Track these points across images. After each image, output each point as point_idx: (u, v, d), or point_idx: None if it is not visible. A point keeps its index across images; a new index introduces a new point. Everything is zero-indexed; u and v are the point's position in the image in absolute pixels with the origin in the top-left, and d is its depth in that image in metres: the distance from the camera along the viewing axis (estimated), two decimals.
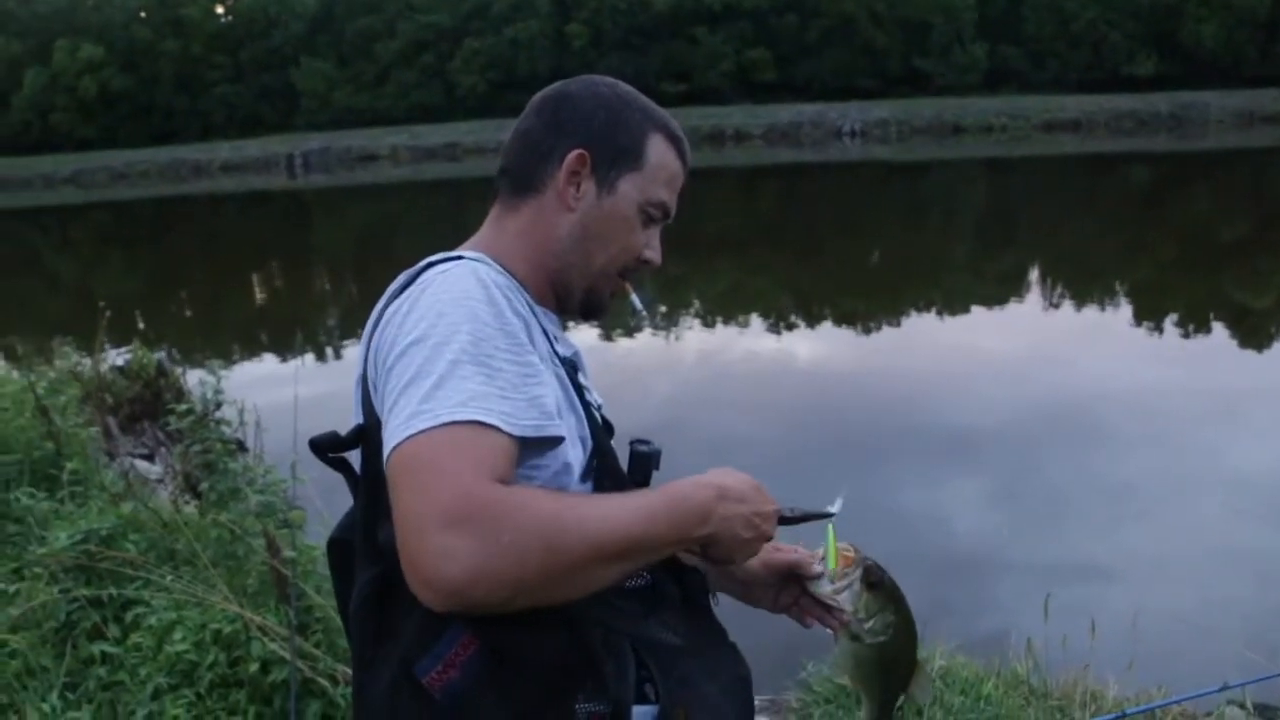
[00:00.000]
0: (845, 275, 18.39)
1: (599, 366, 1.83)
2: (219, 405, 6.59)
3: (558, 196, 1.57)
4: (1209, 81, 56.37)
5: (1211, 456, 7.79)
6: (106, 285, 22.23)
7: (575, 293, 1.60)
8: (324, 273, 23.89)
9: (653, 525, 1.32)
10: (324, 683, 3.42)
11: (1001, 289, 16.46)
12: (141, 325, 15.31)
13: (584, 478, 1.44)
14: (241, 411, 6.70)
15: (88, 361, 8.53)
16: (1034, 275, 17.48)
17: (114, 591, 3.91)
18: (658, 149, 1.59)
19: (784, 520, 1.53)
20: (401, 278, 1.50)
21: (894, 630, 1.59)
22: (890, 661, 1.62)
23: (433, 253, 1.51)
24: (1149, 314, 13.62)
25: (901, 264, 19.34)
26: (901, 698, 1.66)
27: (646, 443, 1.57)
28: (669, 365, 12.06)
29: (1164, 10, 61.63)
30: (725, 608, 1.67)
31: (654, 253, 1.63)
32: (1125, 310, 14.47)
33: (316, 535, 4.18)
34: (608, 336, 12.03)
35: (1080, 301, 14.98)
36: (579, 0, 67.56)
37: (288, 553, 3.74)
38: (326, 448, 1.45)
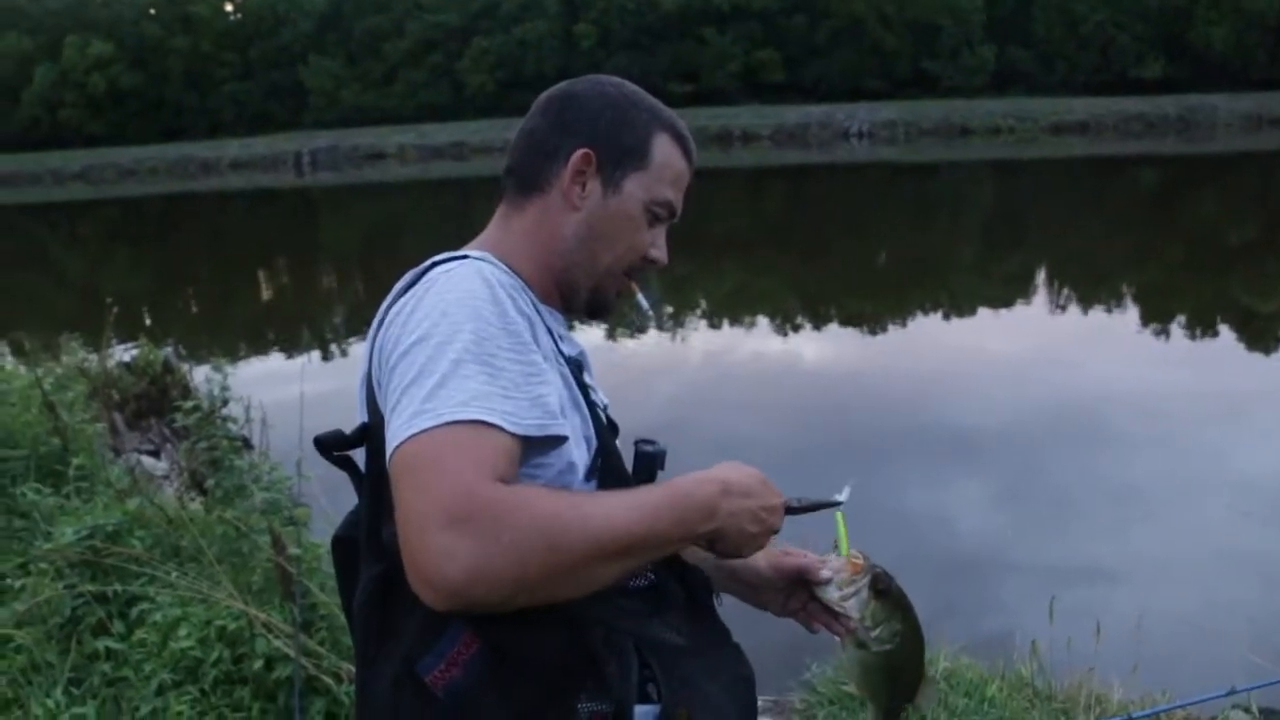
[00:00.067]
0: (852, 276, 18.37)
1: (605, 366, 1.83)
2: (225, 402, 6.61)
3: (563, 196, 1.56)
4: (1218, 84, 56.32)
5: (1217, 459, 7.77)
6: (114, 281, 22.27)
7: (581, 292, 1.60)
8: (330, 270, 23.93)
9: (656, 522, 1.32)
10: (328, 680, 3.42)
11: (1008, 290, 16.43)
12: (148, 321, 15.36)
13: (588, 477, 1.44)
14: (248, 408, 6.73)
15: (94, 357, 8.56)
16: (1040, 277, 17.46)
17: (119, 587, 3.91)
18: (663, 148, 1.59)
19: (791, 511, 1.52)
20: (406, 277, 1.49)
21: (900, 639, 1.57)
22: (896, 670, 1.60)
23: (439, 251, 1.51)
24: (1156, 316, 13.58)
25: (908, 265, 19.32)
26: (908, 708, 1.65)
27: (651, 443, 1.56)
28: (675, 365, 12.05)
29: (1173, 13, 61.59)
30: (729, 608, 1.67)
31: (660, 252, 1.62)
32: (1132, 312, 14.43)
33: (321, 532, 4.18)
34: (614, 336, 12.03)
35: (1087, 303, 14.95)
36: (587, 0, 67.63)
37: (293, 550, 3.74)
38: (331, 446, 1.45)
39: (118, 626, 3.82)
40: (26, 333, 9.91)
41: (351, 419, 1.50)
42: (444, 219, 29.28)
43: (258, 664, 3.46)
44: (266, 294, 21.47)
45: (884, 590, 1.55)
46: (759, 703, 1.67)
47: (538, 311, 1.48)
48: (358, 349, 11.31)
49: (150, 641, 3.65)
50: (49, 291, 21.78)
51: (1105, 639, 4.10)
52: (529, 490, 1.29)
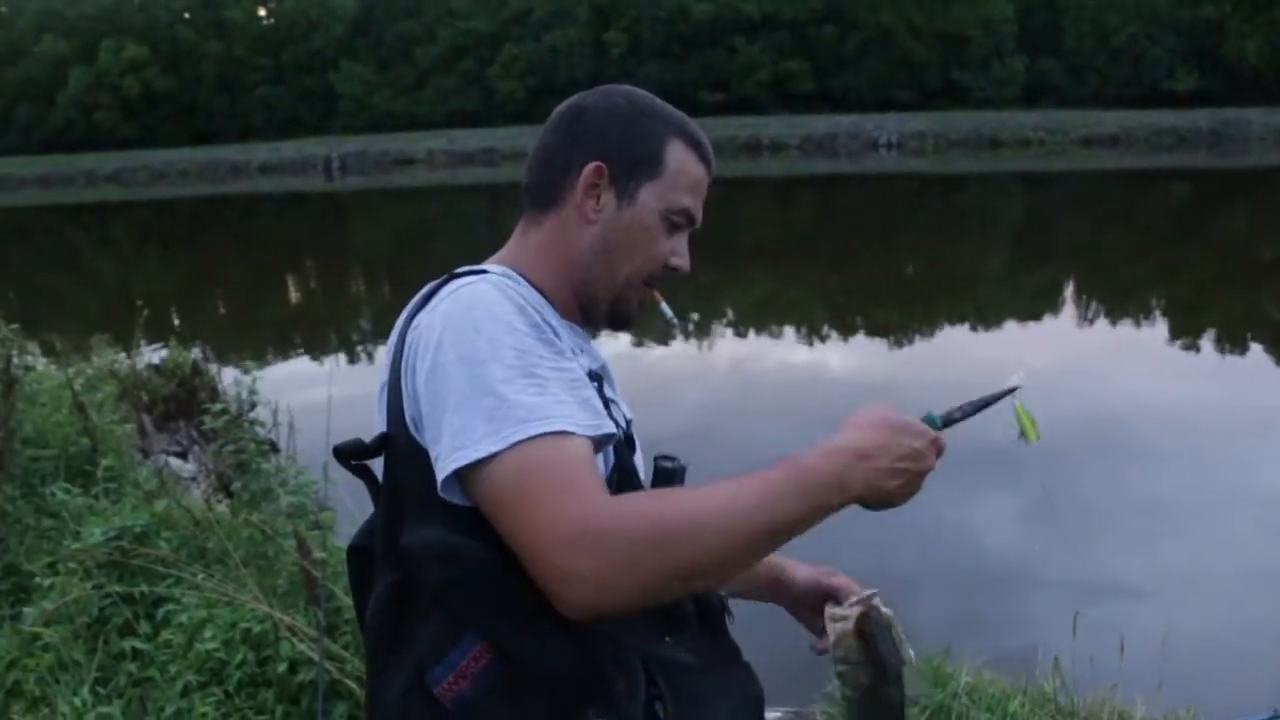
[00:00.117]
0: (879, 287, 18.30)
1: (630, 374, 1.84)
2: (253, 406, 6.63)
3: (577, 210, 1.56)
4: (1251, 98, 55.75)
5: (1247, 474, 7.69)
6: (144, 283, 22.41)
7: (601, 304, 1.59)
8: (359, 275, 24.01)
9: (781, 502, 1.29)
10: (351, 684, 3.44)
11: (1036, 303, 16.33)
12: (178, 323, 15.46)
13: None
14: (275, 412, 6.75)
15: (124, 359, 8.61)
16: (1070, 290, 17.34)
17: (146, 588, 3.94)
18: (677, 155, 1.57)
19: (953, 422, 1.49)
20: (426, 289, 1.50)
21: (863, 694, 1.46)
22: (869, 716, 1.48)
23: (468, 257, 1.52)
24: (1186, 330, 13.48)
25: (936, 276, 19.23)
26: None
27: (672, 459, 1.55)
28: (702, 373, 12.03)
29: (1206, 25, 61.07)
30: (741, 624, 1.65)
31: (681, 259, 1.61)
32: (1161, 326, 14.33)
33: (347, 536, 4.13)
34: (640, 344, 12.03)
35: (1116, 317, 14.86)
36: (618, 8, 67.72)
37: (318, 554, 3.75)
38: (350, 455, 1.45)
39: (144, 627, 3.85)
40: (58, 333, 9.97)
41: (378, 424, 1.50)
42: (473, 224, 29.36)
43: (282, 667, 3.47)
44: (295, 297, 21.58)
45: (867, 633, 1.44)
46: (780, 714, 1.67)
47: (553, 329, 1.46)
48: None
49: (176, 642, 3.68)
50: (81, 293, 21.93)
51: (1130, 656, 4.05)
52: (629, 499, 1.30)
